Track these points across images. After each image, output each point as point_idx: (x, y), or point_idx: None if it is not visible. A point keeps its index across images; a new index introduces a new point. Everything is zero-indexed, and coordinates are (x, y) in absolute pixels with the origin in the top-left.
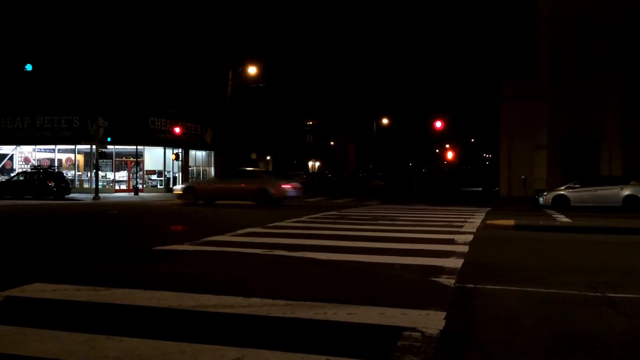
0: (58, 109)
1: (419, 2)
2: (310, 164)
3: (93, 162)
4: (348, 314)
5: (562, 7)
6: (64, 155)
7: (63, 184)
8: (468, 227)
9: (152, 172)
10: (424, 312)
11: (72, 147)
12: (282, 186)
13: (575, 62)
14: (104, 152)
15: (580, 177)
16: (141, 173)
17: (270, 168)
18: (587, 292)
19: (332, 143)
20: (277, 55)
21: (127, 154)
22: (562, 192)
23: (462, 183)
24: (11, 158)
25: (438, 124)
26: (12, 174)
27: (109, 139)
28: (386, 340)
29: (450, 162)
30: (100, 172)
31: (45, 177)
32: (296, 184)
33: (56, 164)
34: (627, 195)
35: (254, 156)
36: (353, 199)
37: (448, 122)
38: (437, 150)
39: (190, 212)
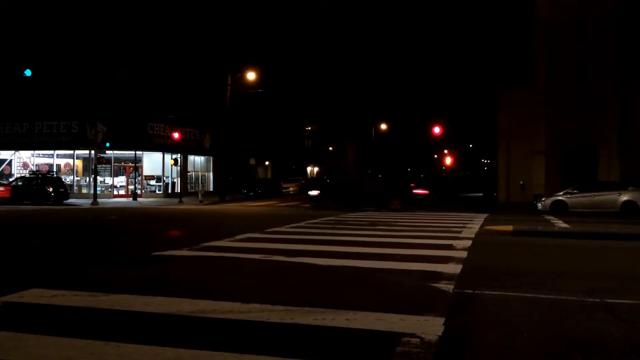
0: (57, 114)
1: (417, 6)
2: (309, 169)
3: (92, 168)
4: (347, 319)
5: (560, 14)
6: (63, 161)
7: (61, 189)
8: (467, 233)
9: (151, 177)
10: (422, 318)
11: (71, 152)
12: None
13: (574, 68)
14: (103, 157)
15: (579, 183)
16: (140, 178)
17: (269, 173)
18: (585, 298)
19: (330, 148)
20: (276, 61)
21: (126, 159)
22: (560, 198)
23: (460, 188)
24: (10, 163)
25: (436, 130)
26: (10, 179)
27: (107, 144)
28: (385, 346)
29: (448, 168)
30: (98, 178)
31: (43, 182)
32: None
33: (55, 169)
34: (625, 201)
35: (252, 161)
36: None
37: (446, 127)
38: (436, 156)
39: (188, 217)
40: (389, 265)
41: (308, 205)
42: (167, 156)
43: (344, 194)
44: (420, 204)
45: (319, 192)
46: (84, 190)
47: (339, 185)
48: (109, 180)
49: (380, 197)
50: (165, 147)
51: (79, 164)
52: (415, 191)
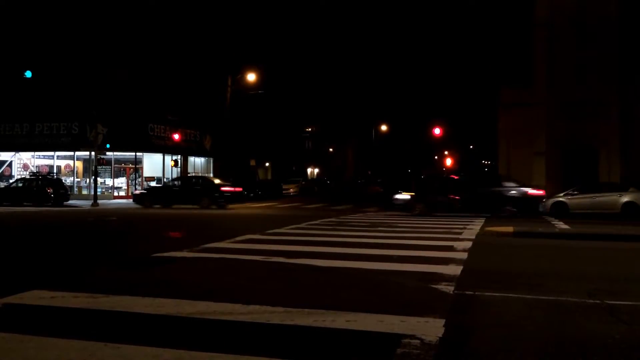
0: (57, 116)
1: (417, 8)
2: (309, 170)
3: (92, 169)
4: (347, 321)
5: (560, 15)
6: (63, 162)
7: (62, 191)
8: (467, 234)
9: (151, 178)
10: (423, 320)
11: (71, 153)
12: None
13: (573, 69)
14: (103, 158)
15: (579, 184)
16: (140, 179)
17: (269, 174)
18: (586, 299)
19: (330, 149)
20: (276, 62)
21: (126, 161)
22: (561, 199)
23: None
24: (10, 164)
25: (437, 131)
26: (10, 181)
27: (107, 146)
28: (385, 348)
29: (449, 169)
30: (99, 179)
31: (44, 183)
32: None
33: (55, 171)
34: (626, 202)
35: (252, 162)
36: (352, 205)
37: (446, 128)
38: (436, 157)
39: (189, 218)
40: (389, 267)
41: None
42: (167, 157)
43: (163, 194)
44: (229, 200)
45: (141, 191)
46: (84, 192)
47: (163, 186)
48: (109, 182)
49: (194, 195)
50: (165, 148)
51: (79, 165)
52: (223, 189)
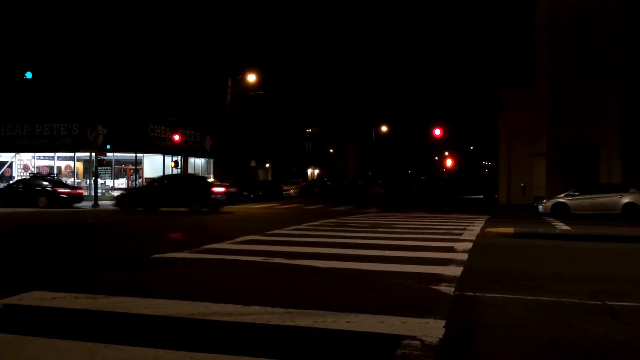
0: (57, 117)
1: (418, 9)
2: (309, 171)
3: (92, 170)
4: (347, 322)
5: (560, 16)
6: (63, 163)
7: None
8: (467, 235)
9: (151, 179)
10: (423, 321)
11: (72, 154)
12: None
13: (574, 70)
14: (103, 159)
15: (580, 185)
16: (140, 180)
17: (270, 175)
18: (587, 301)
19: (331, 150)
20: (276, 63)
21: (127, 162)
22: (561, 200)
23: (461, 190)
24: (10, 165)
25: (437, 132)
26: (11, 182)
27: (108, 147)
28: (385, 349)
29: (449, 170)
30: (99, 180)
31: None
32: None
33: (55, 172)
34: (627, 203)
35: (253, 163)
36: (352, 206)
37: (447, 129)
38: (436, 158)
39: (189, 220)
40: (389, 268)
41: None
42: (168, 158)
43: (17, 194)
44: (65, 202)
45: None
46: (85, 193)
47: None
48: (109, 183)
49: (39, 195)
50: (165, 149)
51: (79, 166)
52: (58, 190)
